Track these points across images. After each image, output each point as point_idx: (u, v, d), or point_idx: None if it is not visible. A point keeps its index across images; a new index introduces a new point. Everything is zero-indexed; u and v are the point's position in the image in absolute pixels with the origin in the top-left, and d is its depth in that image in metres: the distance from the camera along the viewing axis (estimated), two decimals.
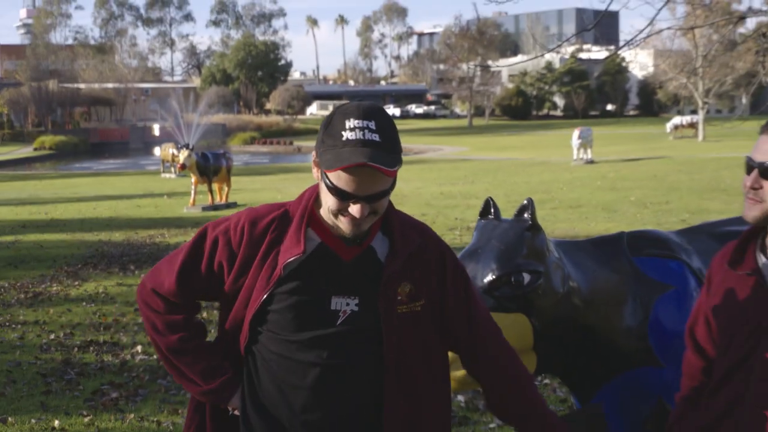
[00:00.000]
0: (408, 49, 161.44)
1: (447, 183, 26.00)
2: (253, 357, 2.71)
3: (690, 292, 3.64)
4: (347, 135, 2.42)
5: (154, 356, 7.74)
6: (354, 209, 2.47)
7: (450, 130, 69.83)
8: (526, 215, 3.44)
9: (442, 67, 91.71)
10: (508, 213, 3.19)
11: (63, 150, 57.26)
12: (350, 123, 2.43)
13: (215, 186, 21.41)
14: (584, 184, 24.10)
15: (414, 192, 23.42)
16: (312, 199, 2.67)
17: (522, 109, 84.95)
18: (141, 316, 2.79)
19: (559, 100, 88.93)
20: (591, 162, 32.31)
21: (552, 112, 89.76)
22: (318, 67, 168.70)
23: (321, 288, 2.61)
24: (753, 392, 2.66)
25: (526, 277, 3.33)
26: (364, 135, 2.42)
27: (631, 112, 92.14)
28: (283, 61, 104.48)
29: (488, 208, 3.58)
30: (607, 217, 17.00)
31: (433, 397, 2.74)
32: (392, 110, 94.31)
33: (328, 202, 2.53)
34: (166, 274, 2.75)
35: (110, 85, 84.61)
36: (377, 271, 2.63)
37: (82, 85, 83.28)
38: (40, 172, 40.42)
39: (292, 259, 2.58)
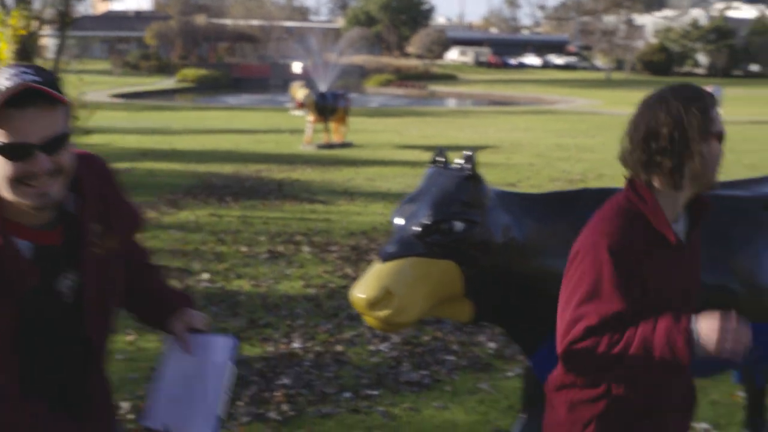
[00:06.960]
0: None
1: (567, 135, 25.59)
2: None
3: None
4: (1, 84, 2.10)
5: (218, 284, 8.11)
6: (35, 165, 2.12)
7: (587, 82, 68.37)
8: (467, 165, 3.47)
9: (585, 18, 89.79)
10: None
11: (204, 83, 58.30)
12: (3, 76, 2.12)
13: (332, 125, 21.71)
14: None
15: (530, 141, 23.19)
16: None
17: (663, 65, 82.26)
18: None
19: (703, 58, 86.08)
20: None
21: (694, 70, 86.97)
22: (462, 14, 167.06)
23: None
24: None
25: (459, 226, 3.37)
26: (20, 76, 2.11)
27: None
28: (426, 6, 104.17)
29: (439, 156, 3.64)
30: None
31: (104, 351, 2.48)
32: (532, 59, 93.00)
33: (2, 171, 2.13)
34: None
35: (256, 22, 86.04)
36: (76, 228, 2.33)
37: (228, 21, 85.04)
38: (178, 103, 41.37)
39: None
